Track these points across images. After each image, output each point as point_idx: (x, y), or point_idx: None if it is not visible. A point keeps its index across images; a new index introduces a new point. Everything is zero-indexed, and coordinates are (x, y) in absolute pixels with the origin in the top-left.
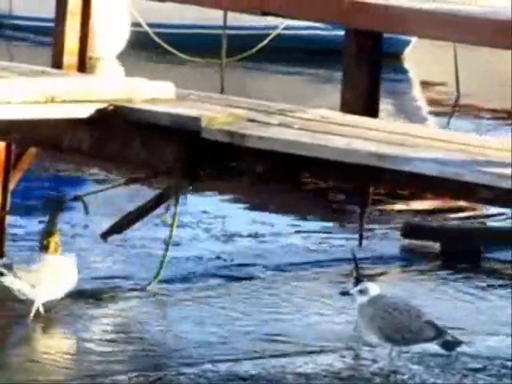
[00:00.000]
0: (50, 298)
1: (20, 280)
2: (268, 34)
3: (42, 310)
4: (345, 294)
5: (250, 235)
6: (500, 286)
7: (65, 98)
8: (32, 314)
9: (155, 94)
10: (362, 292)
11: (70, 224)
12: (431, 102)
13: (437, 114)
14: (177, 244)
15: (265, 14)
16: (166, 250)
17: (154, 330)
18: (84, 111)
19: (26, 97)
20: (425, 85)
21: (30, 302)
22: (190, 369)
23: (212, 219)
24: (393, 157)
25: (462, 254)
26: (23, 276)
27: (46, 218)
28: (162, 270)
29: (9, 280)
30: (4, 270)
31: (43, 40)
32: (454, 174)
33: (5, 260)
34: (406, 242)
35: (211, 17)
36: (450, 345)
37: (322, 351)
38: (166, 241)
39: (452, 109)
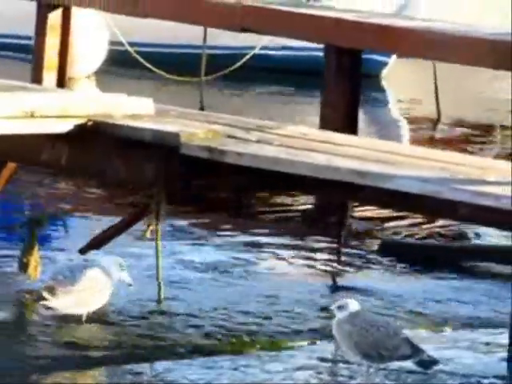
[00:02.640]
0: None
1: (63, 301)
2: (246, 54)
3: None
4: (325, 309)
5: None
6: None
7: (44, 114)
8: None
9: (135, 109)
10: (341, 308)
11: (50, 241)
12: (410, 122)
13: (416, 136)
14: None
15: (244, 30)
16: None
17: None
18: (63, 126)
19: (4, 112)
20: (403, 104)
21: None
22: None
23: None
24: (373, 174)
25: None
26: (66, 297)
27: (25, 236)
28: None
29: (53, 303)
30: (46, 294)
31: (22, 57)
32: (434, 191)
33: (47, 282)
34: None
35: (191, 36)
36: (426, 363)
37: (299, 368)
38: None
39: (432, 129)
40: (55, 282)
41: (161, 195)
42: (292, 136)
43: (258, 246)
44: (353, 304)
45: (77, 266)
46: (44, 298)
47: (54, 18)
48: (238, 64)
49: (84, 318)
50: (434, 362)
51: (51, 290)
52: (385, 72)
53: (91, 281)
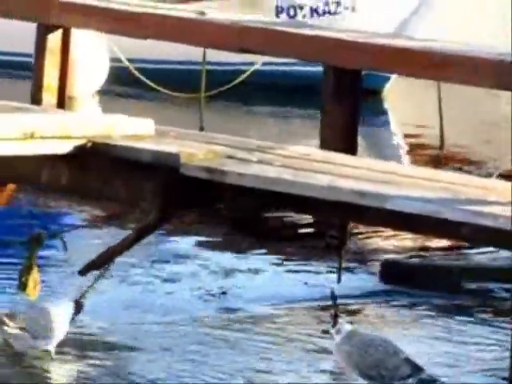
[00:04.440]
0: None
1: (24, 332)
2: (247, 70)
3: (53, 356)
4: (326, 332)
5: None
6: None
7: (44, 135)
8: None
9: (134, 130)
10: (340, 330)
11: (49, 261)
12: (411, 141)
13: (417, 156)
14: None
15: (242, 51)
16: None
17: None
18: (63, 147)
19: (4, 133)
20: (404, 123)
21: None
22: None
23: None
24: (374, 194)
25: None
26: (29, 327)
27: (24, 255)
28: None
29: (12, 333)
30: (6, 321)
31: (22, 75)
32: (435, 211)
33: (10, 311)
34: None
35: (192, 52)
36: (426, 383)
37: None
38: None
39: (434, 150)
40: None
41: (159, 216)
42: (293, 156)
43: (254, 269)
44: (350, 326)
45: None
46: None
47: (54, 38)
48: (238, 80)
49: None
50: (434, 381)
51: (11, 317)
52: (387, 87)
53: (50, 313)
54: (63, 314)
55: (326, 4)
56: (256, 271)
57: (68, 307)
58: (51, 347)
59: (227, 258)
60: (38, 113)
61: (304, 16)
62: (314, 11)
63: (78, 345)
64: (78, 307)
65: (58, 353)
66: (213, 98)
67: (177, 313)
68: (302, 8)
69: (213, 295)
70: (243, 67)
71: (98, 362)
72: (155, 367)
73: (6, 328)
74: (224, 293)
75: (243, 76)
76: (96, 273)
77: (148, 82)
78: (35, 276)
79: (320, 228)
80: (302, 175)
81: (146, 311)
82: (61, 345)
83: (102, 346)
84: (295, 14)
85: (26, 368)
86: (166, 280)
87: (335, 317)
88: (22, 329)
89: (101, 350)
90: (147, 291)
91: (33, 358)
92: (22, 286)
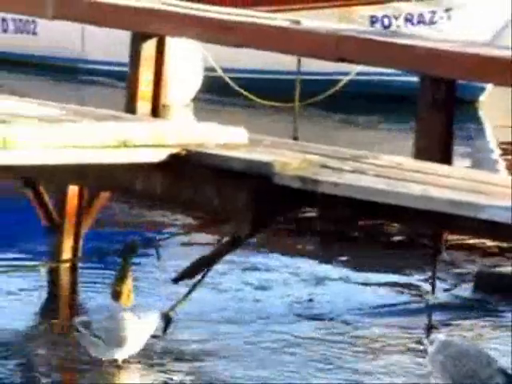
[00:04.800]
0: (127, 355)
1: (98, 339)
2: (341, 80)
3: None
4: (419, 342)
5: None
6: None
7: (137, 143)
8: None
9: (228, 139)
10: (433, 341)
11: (143, 269)
12: (506, 153)
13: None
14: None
15: (339, 60)
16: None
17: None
18: (157, 156)
19: (98, 141)
20: (499, 132)
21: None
22: None
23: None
24: (468, 204)
25: None
26: (102, 335)
27: (118, 264)
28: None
29: (87, 339)
30: (82, 329)
31: (116, 84)
32: None
33: (83, 318)
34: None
35: (285, 61)
36: None
37: None
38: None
39: None
40: (91, 319)
41: (252, 225)
42: (387, 166)
43: (345, 277)
44: (443, 336)
45: (115, 307)
46: (79, 332)
47: (149, 47)
48: (333, 90)
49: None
50: None
51: (87, 325)
52: (482, 98)
53: (124, 323)
54: (144, 325)
55: (421, 14)
56: (347, 279)
57: (153, 319)
58: (121, 357)
59: (317, 266)
60: (132, 121)
61: (398, 26)
62: (408, 21)
63: (162, 350)
64: (167, 320)
65: (134, 360)
66: (306, 108)
67: (264, 320)
68: (396, 18)
69: (300, 302)
70: (337, 77)
71: (183, 369)
72: (242, 374)
73: (83, 334)
74: (311, 300)
75: (338, 86)
76: (188, 281)
77: (242, 91)
78: (129, 285)
79: (414, 237)
80: (395, 185)
81: (234, 318)
82: (142, 351)
83: (188, 353)
84: (390, 24)
85: (99, 374)
86: (256, 288)
87: (429, 327)
88: (97, 336)
89: (187, 357)
90: (236, 298)
91: (104, 365)
92: (116, 295)
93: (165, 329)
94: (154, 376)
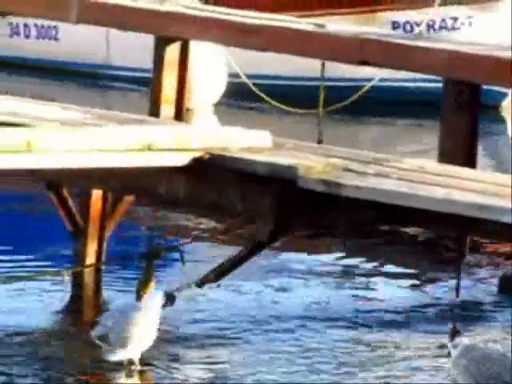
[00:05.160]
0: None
1: (114, 347)
2: (364, 86)
3: (138, 366)
4: (443, 346)
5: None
6: None
7: (161, 147)
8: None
9: (251, 142)
10: (457, 344)
11: (167, 273)
12: None
13: None
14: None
15: (362, 63)
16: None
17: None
18: (180, 159)
19: (122, 145)
20: None
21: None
22: None
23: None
24: (492, 207)
25: None
26: (116, 343)
27: (142, 268)
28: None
29: (106, 351)
30: (100, 343)
31: (140, 89)
32: None
33: (99, 329)
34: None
35: (308, 68)
36: None
37: None
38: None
39: None
40: (106, 329)
41: (276, 228)
42: (410, 169)
43: (367, 281)
44: (467, 339)
45: (125, 307)
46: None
47: (172, 51)
48: (356, 96)
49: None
50: None
51: (103, 338)
52: (504, 103)
53: (137, 324)
54: (151, 316)
55: (443, 20)
56: (368, 282)
57: (157, 301)
58: (135, 357)
59: (338, 269)
60: (156, 125)
61: (420, 32)
62: (430, 27)
63: (181, 350)
64: (171, 298)
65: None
66: (330, 114)
67: (284, 322)
68: (418, 24)
69: (320, 305)
70: (360, 83)
71: (202, 370)
72: (261, 377)
73: (101, 346)
74: (328, 302)
75: (360, 92)
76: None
77: (265, 96)
78: (153, 289)
79: (438, 240)
80: (418, 188)
81: (255, 320)
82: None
83: (206, 354)
84: (411, 30)
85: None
86: (276, 289)
87: (453, 330)
88: (105, 340)
89: (205, 358)
90: (257, 300)
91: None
92: (141, 299)
93: (166, 305)
94: (170, 377)
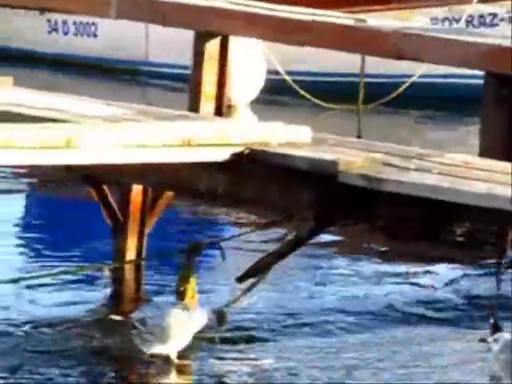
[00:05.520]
0: (178, 349)
1: (151, 336)
2: (404, 82)
3: (175, 360)
4: (483, 341)
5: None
6: None
7: (201, 142)
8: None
9: (291, 137)
10: (498, 339)
11: (207, 269)
12: None
13: None
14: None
15: (401, 58)
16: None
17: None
18: (220, 155)
19: (162, 140)
20: None
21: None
22: None
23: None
24: None
25: None
26: (155, 332)
27: (182, 264)
28: None
29: (141, 336)
30: (138, 326)
31: (179, 86)
32: None
33: (139, 314)
34: None
35: (347, 64)
36: None
37: None
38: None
39: None
40: (147, 316)
41: (317, 223)
42: (451, 164)
43: (405, 273)
44: (508, 335)
45: (165, 304)
46: (135, 328)
47: (212, 46)
48: (396, 92)
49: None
50: None
51: (143, 323)
52: None
53: (177, 318)
54: (193, 321)
55: (482, 16)
56: (408, 277)
57: (202, 316)
58: (173, 352)
59: (378, 264)
60: (196, 120)
61: (460, 28)
62: (469, 23)
63: (220, 345)
64: (221, 315)
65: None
66: (370, 110)
67: (322, 317)
68: (457, 20)
69: (359, 300)
70: (400, 79)
71: (242, 365)
72: (298, 372)
73: (139, 331)
74: (366, 297)
75: (401, 89)
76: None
77: (303, 92)
78: (193, 285)
79: (479, 236)
80: (460, 183)
81: (293, 315)
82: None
83: (246, 349)
84: (450, 26)
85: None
86: (316, 284)
87: (494, 326)
88: (149, 333)
89: (245, 354)
90: (296, 295)
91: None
92: (180, 296)
93: (219, 323)
94: (208, 371)
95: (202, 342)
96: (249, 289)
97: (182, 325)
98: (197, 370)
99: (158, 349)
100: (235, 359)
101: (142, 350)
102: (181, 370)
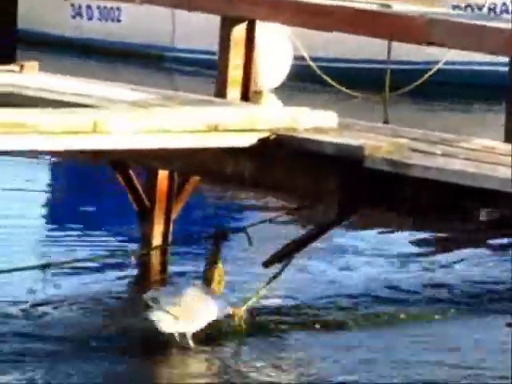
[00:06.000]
0: (194, 330)
1: (166, 314)
2: (430, 69)
3: (191, 343)
4: (510, 325)
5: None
6: None
7: (228, 127)
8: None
9: (318, 123)
10: None
11: (234, 254)
12: None
13: None
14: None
15: (430, 43)
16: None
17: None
18: (246, 140)
19: (188, 125)
20: None
21: (174, 336)
22: None
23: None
24: None
25: None
26: (170, 310)
27: (209, 249)
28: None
29: (155, 314)
30: (151, 303)
31: (206, 72)
32: None
33: (152, 293)
34: None
35: (373, 50)
36: None
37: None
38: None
39: None
40: (159, 292)
41: (343, 208)
42: (477, 149)
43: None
44: None
45: (182, 285)
46: (148, 306)
47: (239, 31)
48: (422, 79)
49: (190, 340)
50: None
51: (155, 300)
52: None
53: (193, 298)
54: (212, 305)
55: (504, 3)
56: (433, 262)
57: (221, 307)
58: (189, 332)
59: (404, 248)
60: (223, 105)
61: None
62: (491, 10)
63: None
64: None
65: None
66: (395, 97)
67: (347, 300)
68: (479, 8)
69: (383, 284)
70: (425, 66)
71: (263, 349)
72: (323, 358)
73: (152, 310)
74: (392, 281)
75: (426, 75)
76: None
77: (328, 79)
78: (220, 271)
79: (505, 221)
80: (486, 168)
81: (318, 299)
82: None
83: (270, 334)
84: (472, 11)
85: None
86: (341, 269)
87: None
88: (165, 311)
89: (268, 338)
90: (321, 279)
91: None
92: (207, 282)
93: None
94: (233, 353)
95: (224, 328)
96: (274, 277)
97: (199, 306)
98: (212, 357)
99: (173, 327)
100: (259, 342)
101: (160, 330)
102: (197, 356)
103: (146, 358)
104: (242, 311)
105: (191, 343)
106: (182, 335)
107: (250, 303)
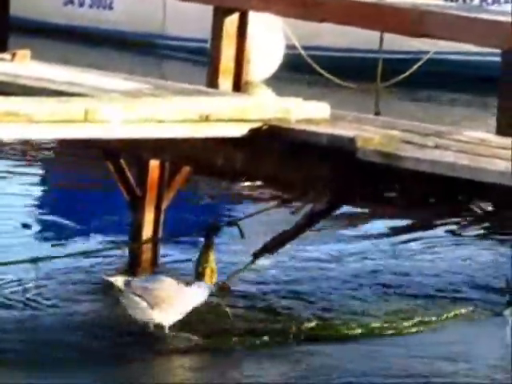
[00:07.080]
0: (172, 320)
1: (139, 298)
2: (421, 59)
3: (166, 330)
4: (499, 314)
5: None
6: None
7: (219, 117)
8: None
9: (310, 114)
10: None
11: (225, 247)
12: None
13: None
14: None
15: (424, 35)
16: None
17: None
18: (238, 131)
19: (179, 115)
20: None
21: (146, 323)
22: None
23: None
24: None
25: None
26: (142, 294)
27: (201, 241)
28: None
29: (127, 298)
30: (122, 287)
31: (196, 60)
32: None
33: (125, 277)
34: None
35: (364, 40)
36: None
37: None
38: None
39: None
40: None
41: (334, 200)
42: (470, 142)
43: (433, 250)
44: None
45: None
46: (120, 290)
47: (231, 22)
48: (412, 69)
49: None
50: None
51: (128, 285)
52: None
53: (167, 286)
54: (190, 292)
55: None
56: (435, 252)
57: (202, 290)
58: (166, 322)
59: (397, 238)
60: (214, 96)
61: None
62: (483, 1)
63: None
64: (224, 289)
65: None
66: (386, 86)
67: (337, 291)
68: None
69: (376, 274)
70: (416, 56)
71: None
72: (316, 350)
73: (124, 295)
74: (383, 269)
75: (417, 65)
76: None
77: (320, 69)
78: (212, 265)
79: (498, 213)
80: (479, 161)
81: (309, 288)
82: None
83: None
84: (464, 2)
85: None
86: (333, 258)
87: (510, 300)
88: (140, 297)
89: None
90: (313, 268)
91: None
92: (199, 275)
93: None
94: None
95: (213, 316)
96: (252, 262)
97: (173, 293)
98: (195, 345)
99: (146, 315)
100: (254, 329)
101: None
102: (176, 343)
103: (135, 350)
104: (226, 284)
105: (168, 331)
106: (158, 324)
107: (233, 274)
